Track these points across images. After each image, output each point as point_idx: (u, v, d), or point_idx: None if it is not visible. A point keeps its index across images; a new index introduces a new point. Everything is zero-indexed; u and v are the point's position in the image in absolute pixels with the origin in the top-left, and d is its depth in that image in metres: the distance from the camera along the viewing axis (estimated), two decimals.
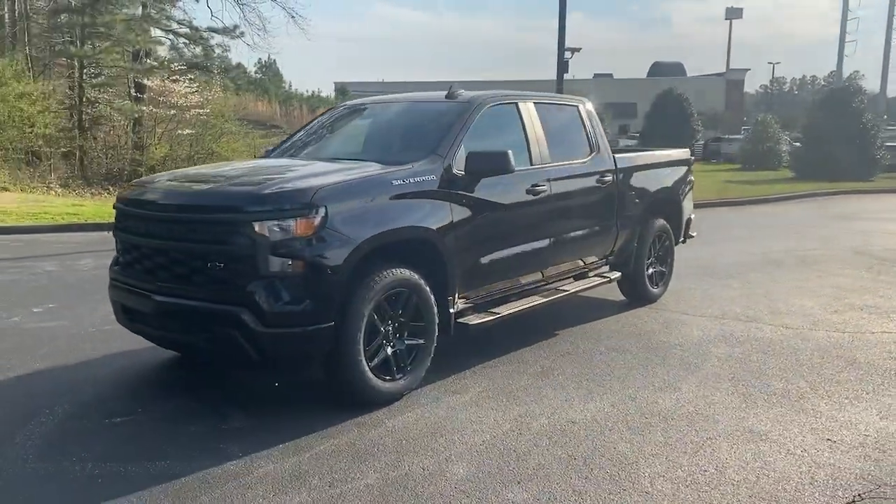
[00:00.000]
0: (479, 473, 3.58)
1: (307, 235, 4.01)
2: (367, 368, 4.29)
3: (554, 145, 5.96)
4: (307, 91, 62.28)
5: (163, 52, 27.43)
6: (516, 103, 5.74)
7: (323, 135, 6.04)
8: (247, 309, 3.99)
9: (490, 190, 5.14)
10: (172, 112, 26.78)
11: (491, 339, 5.85)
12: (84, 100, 24.93)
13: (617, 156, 6.73)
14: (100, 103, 25.08)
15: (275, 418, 4.26)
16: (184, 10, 27.87)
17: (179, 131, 25.29)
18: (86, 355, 5.49)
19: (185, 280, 4.23)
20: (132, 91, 25.59)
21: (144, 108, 25.80)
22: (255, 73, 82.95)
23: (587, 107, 6.55)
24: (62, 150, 23.56)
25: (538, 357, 5.47)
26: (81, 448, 3.84)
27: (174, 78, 26.92)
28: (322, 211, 4.05)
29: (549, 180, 5.66)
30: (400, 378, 4.53)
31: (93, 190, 20.90)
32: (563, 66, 18.40)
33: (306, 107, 52.81)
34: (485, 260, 5.12)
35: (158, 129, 26.62)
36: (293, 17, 35.34)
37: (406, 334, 4.60)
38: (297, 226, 3.99)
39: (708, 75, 68.35)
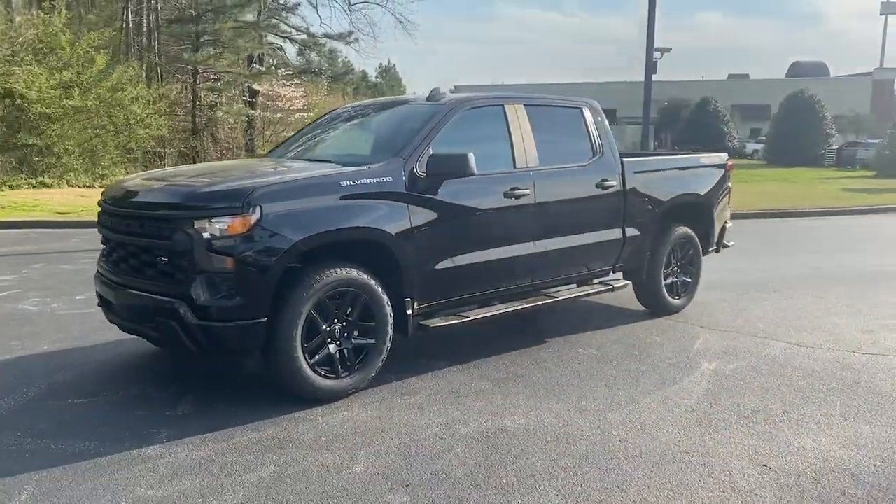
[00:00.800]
0: (375, 475, 3.58)
1: (241, 234, 4.15)
2: (305, 365, 4.38)
3: (546, 148, 5.83)
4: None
5: (274, 58, 28.82)
6: (502, 105, 5.66)
7: (316, 136, 6.18)
8: (184, 302, 4.18)
9: (460, 193, 5.11)
10: (279, 115, 28.09)
11: (475, 341, 5.83)
12: (198, 103, 26.61)
13: (627, 160, 6.49)
14: (216, 107, 26.67)
15: (220, 407, 4.43)
16: (302, 17, 28.83)
17: (284, 134, 26.39)
18: (93, 341, 5.90)
19: (138, 273, 4.50)
20: (244, 95, 27.05)
21: (254, 111, 27.25)
22: (375, 77, 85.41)
23: (592, 109, 6.34)
24: (179, 149, 25.26)
25: (511, 362, 5.38)
26: (29, 423, 4.16)
27: (283, 83, 28.24)
28: (257, 210, 4.18)
29: (533, 184, 5.55)
30: (345, 376, 4.59)
31: None
32: (651, 67, 17.82)
33: None
34: (452, 263, 5.07)
35: (267, 132, 28.01)
36: (401, 21, 36.06)
37: (355, 333, 4.66)
38: (231, 224, 4.14)
39: (852, 76, 63.88)
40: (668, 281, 6.90)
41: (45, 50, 20.38)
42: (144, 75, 24.75)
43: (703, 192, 7.12)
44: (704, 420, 4.30)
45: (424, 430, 4.14)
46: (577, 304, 7.28)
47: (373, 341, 4.71)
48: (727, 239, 7.66)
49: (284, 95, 28.38)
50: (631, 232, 6.41)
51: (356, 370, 4.65)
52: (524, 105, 5.78)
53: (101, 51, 21.39)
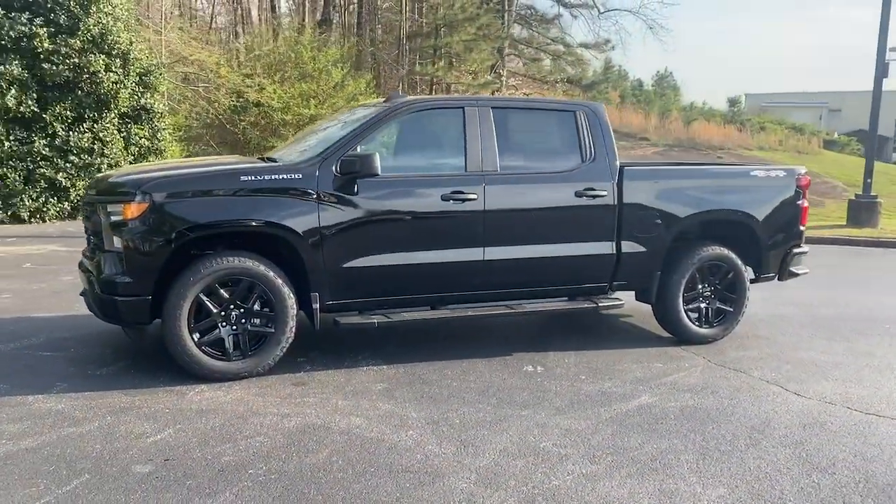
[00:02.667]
0: (154, 446, 3.85)
1: (133, 218, 4.65)
2: (191, 344, 4.76)
3: (515, 153, 5.57)
4: (703, 103, 59.67)
5: (529, 64, 29.62)
6: (462, 108, 5.52)
7: (304, 137, 6.40)
8: (94, 276, 4.82)
9: (386, 194, 5.13)
10: None
11: (432, 346, 5.79)
12: None
13: (632, 168, 5.90)
14: None
15: (122, 375, 4.96)
16: (560, 28, 29.26)
17: None
18: None
19: (91, 252, 5.23)
20: None
21: None
22: (650, 85, 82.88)
23: (589, 113, 5.84)
24: None
25: (443, 375, 5.14)
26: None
27: (515, 91, 28.92)
28: (147, 199, 4.66)
29: (484, 188, 5.34)
30: (237, 360, 4.88)
31: None
32: (882, 68, 15.33)
33: (681, 118, 51.32)
34: (367, 263, 5.09)
35: None
36: (651, 28, 34.87)
37: (255, 321, 4.93)
38: (124, 209, 4.66)
39: None
40: (693, 306, 6.11)
41: (290, 64, 23.18)
42: (377, 84, 26.89)
43: (750, 209, 6.18)
44: (609, 465, 3.80)
45: (254, 416, 4.28)
46: (591, 322, 6.79)
47: (272, 330, 4.94)
48: (797, 265, 6.54)
49: None
50: (630, 247, 5.81)
51: (250, 356, 4.91)
52: (492, 108, 5.57)
53: (339, 64, 23.74)
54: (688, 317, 6.09)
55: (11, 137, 13.30)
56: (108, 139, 14.24)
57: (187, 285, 4.70)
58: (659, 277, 5.98)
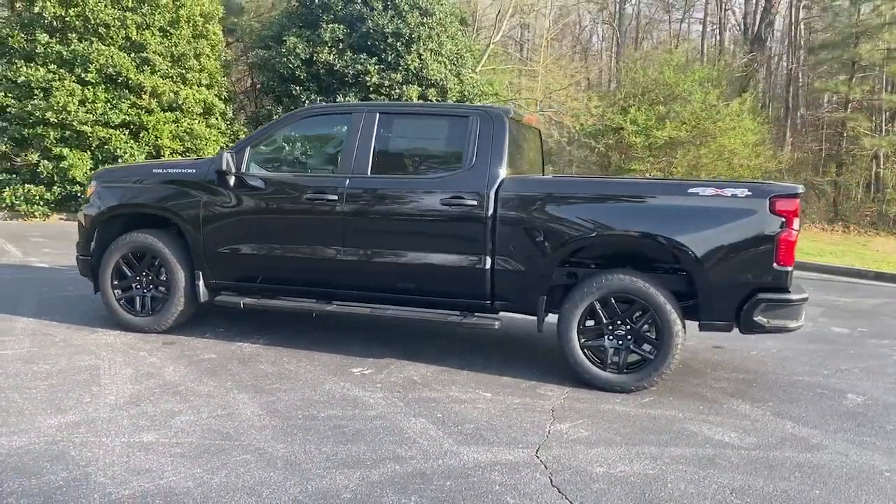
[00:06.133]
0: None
1: (88, 199, 6.25)
2: (113, 299, 6.13)
3: (394, 158, 5.61)
4: None
5: None
6: (350, 113, 5.74)
7: None
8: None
9: (258, 191, 5.75)
10: None
11: (315, 336, 6.16)
12: (846, 135, 24.72)
13: (516, 178, 5.29)
14: (862, 136, 24.33)
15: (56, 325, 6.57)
16: None
17: None
18: None
19: None
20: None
21: None
22: None
23: (487, 118, 5.38)
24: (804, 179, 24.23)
25: (279, 360, 5.63)
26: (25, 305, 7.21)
27: None
28: (94, 184, 6.21)
29: (344, 192, 5.53)
30: (144, 316, 6.08)
31: (849, 230, 21.31)
32: None
33: None
34: (234, 250, 5.77)
35: None
36: None
37: (156, 287, 6.07)
38: (87, 191, 6.30)
39: None
40: (595, 344, 5.15)
41: (656, 88, 22.85)
42: (763, 104, 24.52)
43: (678, 235, 4.93)
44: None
45: (117, 353, 5.45)
46: (520, 346, 6.06)
47: (165, 296, 6.02)
48: (774, 317, 4.89)
49: None
50: (505, 264, 5.26)
51: (151, 315, 6.07)
52: (379, 113, 5.67)
53: (708, 84, 22.50)
54: (585, 355, 5.16)
55: None
56: None
57: (110, 253, 6.09)
58: (544, 302, 5.23)
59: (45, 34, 14.06)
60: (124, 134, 14.57)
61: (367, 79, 16.17)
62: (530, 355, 5.94)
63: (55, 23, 14.13)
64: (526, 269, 5.23)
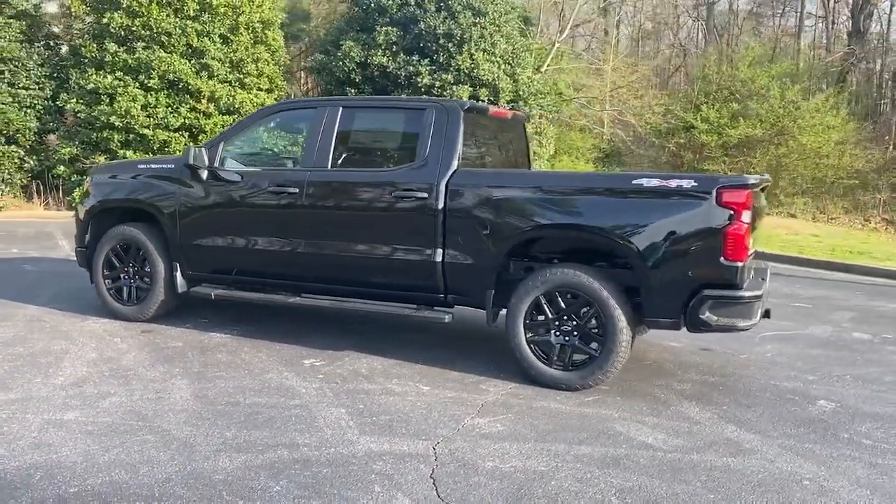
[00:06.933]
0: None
1: (84, 193, 6.61)
2: (105, 289, 6.46)
3: (354, 151, 5.68)
4: None
5: None
6: (315, 108, 5.83)
7: None
8: None
9: (229, 186, 5.92)
10: None
11: (288, 327, 6.28)
12: None
13: (467, 170, 5.22)
14: None
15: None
16: None
17: None
18: None
19: None
20: None
21: None
22: None
23: (440, 112, 5.34)
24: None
25: (237, 349, 5.78)
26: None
27: None
28: (89, 180, 6.56)
29: (304, 184, 5.63)
30: (130, 305, 6.38)
31: None
32: None
33: None
34: (205, 242, 5.95)
35: None
36: None
37: (140, 279, 6.35)
38: (86, 185, 6.66)
39: None
40: (541, 339, 5.03)
41: (730, 84, 21.92)
42: (856, 100, 23.05)
43: (621, 228, 4.74)
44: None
45: (78, 367, 5.78)
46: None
47: (148, 287, 6.29)
48: (723, 315, 4.63)
49: None
50: (455, 257, 5.22)
51: (136, 304, 6.36)
52: (342, 108, 5.74)
53: (788, 80, 21.40)
54: (532, 351, 5.05)
55: None
56: None
57: (102, 244, 6.42)
58: (491, 297, 5.16)
59: (113, 44, 14.95)
60: (184, 136, 15.29)
61: (419, 80, 16.32)
62: (493, 350, 5.83)
63: (122, 32, 14.99)
64: (474, 263, 5.17)
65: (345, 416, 4.34)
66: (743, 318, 4.67)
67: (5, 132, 14.79)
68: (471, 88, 16.43)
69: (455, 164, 5.27)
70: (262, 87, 16.53)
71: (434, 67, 16.48)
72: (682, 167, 23.02)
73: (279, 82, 17.22)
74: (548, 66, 22.20)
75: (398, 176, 5.41)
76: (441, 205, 5.21)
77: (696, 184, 4.66)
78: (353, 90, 17.05)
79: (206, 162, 5.84)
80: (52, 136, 15.93)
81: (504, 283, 5.26)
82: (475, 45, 16.49)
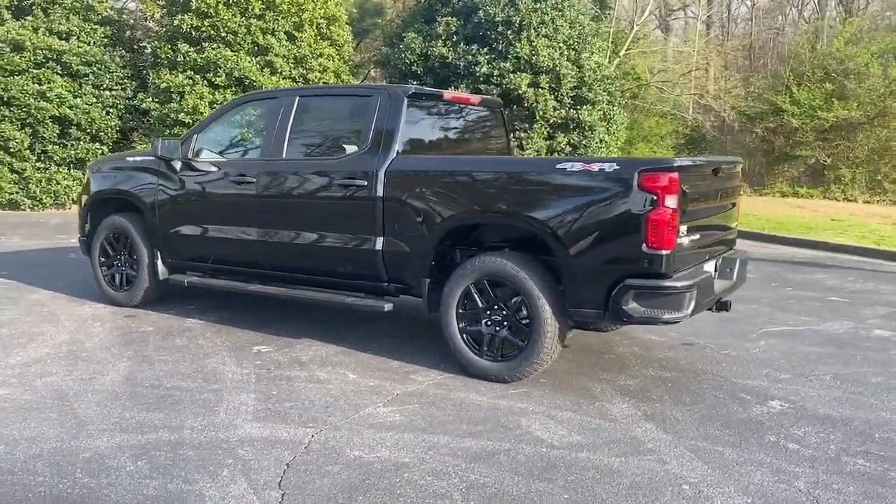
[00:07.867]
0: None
1: (85, 185, 7.01)
2: (101, 275, 6.84)
3: (307, 140, 5.73)
4: None
5: None
6: (276, 97, 5.91)
7: None
8: None
9: (200, 177, 6.12)
10: None
11: (267, 317, 6.41)
12: None
13: (405, 157, 5.13)
14: None
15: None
16: None
17: None
18: None
19: None
20: None
21: None
22: None
23: (384, 99, 5.26)
24: None
25: (196, 336, 5.96)
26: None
27: None
28: (88, 172, 6.94)
29: (258, 174, 5.73)
30: (123, 290, 6.71)
31: None
32: None
33: None
34: (181, 231, 6.18)
35: None
36: None
37: (129, 266, 6.67)
38: (85, 179, 7.05)
39: None
40: (473, 328, 4.90)
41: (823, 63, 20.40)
42: None
43: (540, 214, 4.54)
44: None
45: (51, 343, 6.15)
46: None
47: (135, 274, 6.60)
48: (648, 306, 4.34)
49: None
50: (393, 245, 5.17)
51: (125, 290, 6.68)
52: (299, 97, 5.79)
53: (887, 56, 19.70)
54: (465, 341, 4.93)
55: None
56: (531, 146, 16.31)
57: (97, 234, 6.80)
58: (426, 285, 5.07)
59: (185, 44, 15.71)
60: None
61: (477, 70, 16.17)
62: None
63: (192, 33, 15.72)
64: (410, 251, 5.10)
65: (250, 402, 4.40)
66: (669, 309, 4.36)
67: (89, 131, 15.84)
68: (531, 76, 16.11)
69: (395, 151, 5.20)
70: (326, 81, 16.87)
71: (492, 56, 16.27)
72: (772, 153, 21.72)
73: (344, 77, 17.52)
74: (627, 49, 21.44)
75: (341, 164, 5.40)
76: (380, 192, 5.16)
77: (618, 167, 4.38)
78: (414, 82, 17.09)
79: (176, 153, 6.06)
80: (134, 134, 16.92)
81: (450, 273, 5.16)
82: (535, 31, 16.14)
